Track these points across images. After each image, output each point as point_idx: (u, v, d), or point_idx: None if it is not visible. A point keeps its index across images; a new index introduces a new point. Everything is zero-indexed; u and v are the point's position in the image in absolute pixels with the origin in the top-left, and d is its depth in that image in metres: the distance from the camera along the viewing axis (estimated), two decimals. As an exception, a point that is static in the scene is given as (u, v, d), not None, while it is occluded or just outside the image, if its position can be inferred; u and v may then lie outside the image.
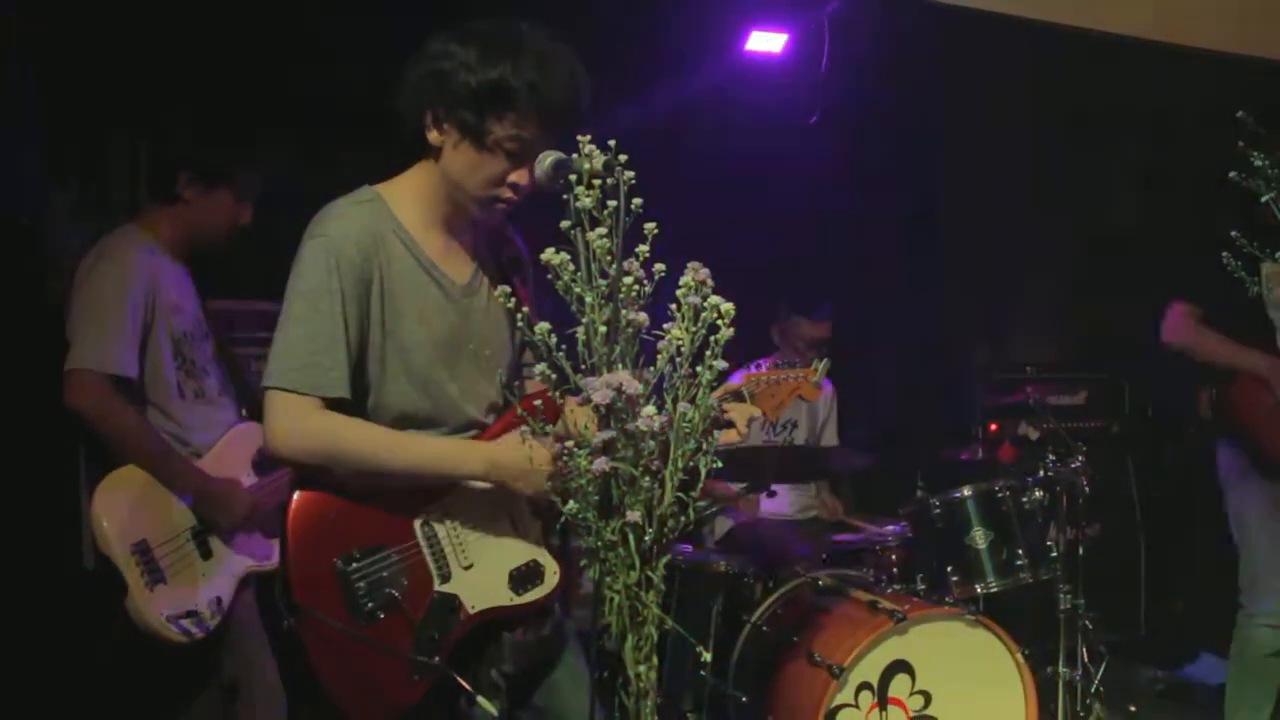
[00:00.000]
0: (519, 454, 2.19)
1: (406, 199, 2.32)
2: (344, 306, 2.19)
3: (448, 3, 2.35)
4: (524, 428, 1.96)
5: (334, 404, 2.20)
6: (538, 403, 2.15)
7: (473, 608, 2.30)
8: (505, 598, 2.34)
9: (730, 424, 2.50)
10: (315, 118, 4.25)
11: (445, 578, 2.29)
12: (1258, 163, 2.42)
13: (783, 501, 4.69)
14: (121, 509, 2.93)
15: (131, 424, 2.97)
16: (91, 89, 3.95)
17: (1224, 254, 2.49)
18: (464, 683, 2.23)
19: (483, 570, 2.33)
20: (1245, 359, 3.74)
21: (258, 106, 3.99)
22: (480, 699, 2.23)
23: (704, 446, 1.76)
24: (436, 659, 2.23)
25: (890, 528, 4.30)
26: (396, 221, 2.29)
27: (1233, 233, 2.51)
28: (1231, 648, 3.91)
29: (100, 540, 2.89)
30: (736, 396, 2.58)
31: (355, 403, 2.25)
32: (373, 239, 2.24)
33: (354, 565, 2.21)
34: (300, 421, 2.18)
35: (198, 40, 4.06)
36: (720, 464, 1.80)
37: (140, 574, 2.89)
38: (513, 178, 2.23)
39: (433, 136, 2.25)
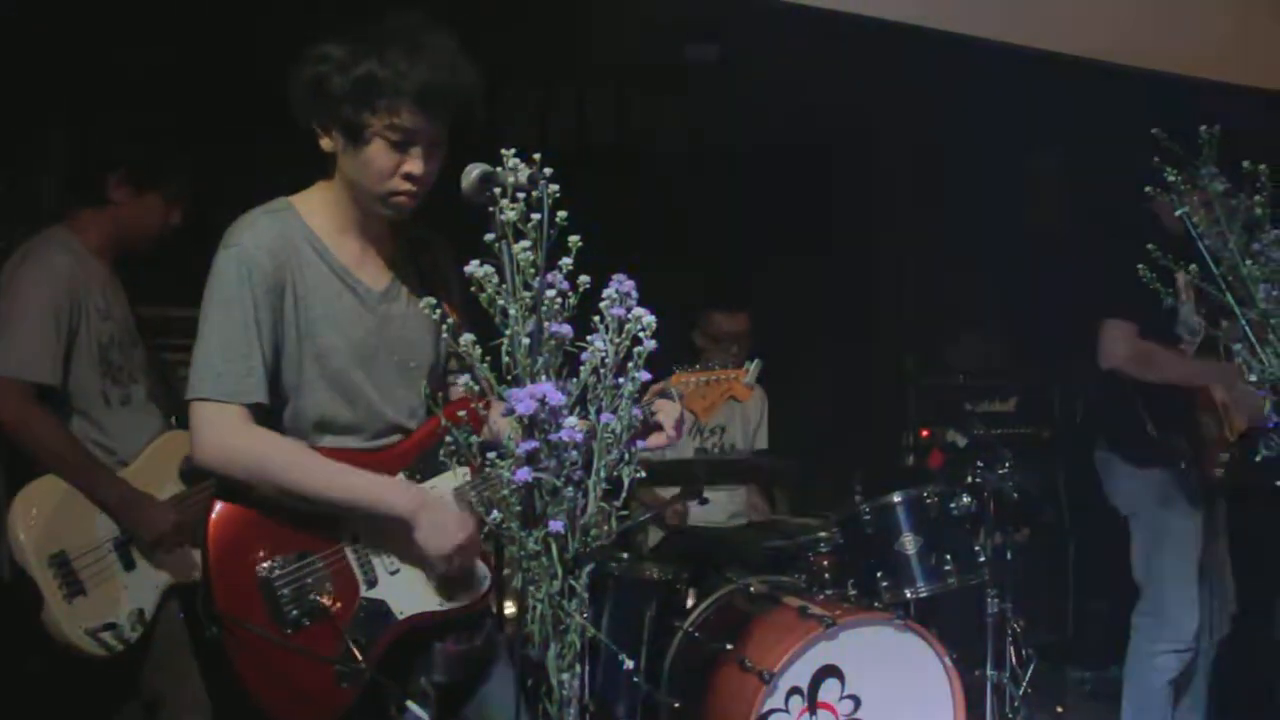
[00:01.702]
0: (445, 513, 2.24)
1: (318, 208, 2.33)
2: (257, 314, 2.21)
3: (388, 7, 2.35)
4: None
5: (256, 413, 2.21)
6: (461, 413, 2.15)
7: (401, 613, 2.31)
8: (434, 603, 2.34)
9: (659, 426, 2.51)
10: (251, 122, 4.22)
11: (372, 583, 2.29)
12: (1171, 178, 2.48)
13: (713, 509, 4.71)
14: (40, 520, 2.89)
15: (50, 433, 2.94)
16: (21, 88, 3.89)
17: (1139, 266, 2.54)
18: (391, 687, 2.23)
19: (410, 575, 2.33)
20: (1201, 373, 3.67)
21: (190, 109, 3.96)
22: (409, 703, 2.23)
23: (627, 457, 1.78)
24: (364, 664, 2.22)
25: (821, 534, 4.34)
26: (309, 229, 2.31)
27: (1149, 245, 2.56)
28: (1129, 675, 3.97)
29: (16, 552, 2.85)
30: (665, 396, 2.57)
31: (274, 411, 2.25)
32: (285, 247, 2.26)
33: (278, 573, 2.20)
34: (224, 433, 2.19)
35: (128, 41, 4.02)
36: (644, 474, 1.82)
37: (58, 586, 2.86)
38: (405, 168, 2.23)
39: (325, 143, 2.27)
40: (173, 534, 3.05)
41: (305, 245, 2.29)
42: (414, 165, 2.23)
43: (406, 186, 2.26)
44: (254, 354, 2.20)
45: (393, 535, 2.29)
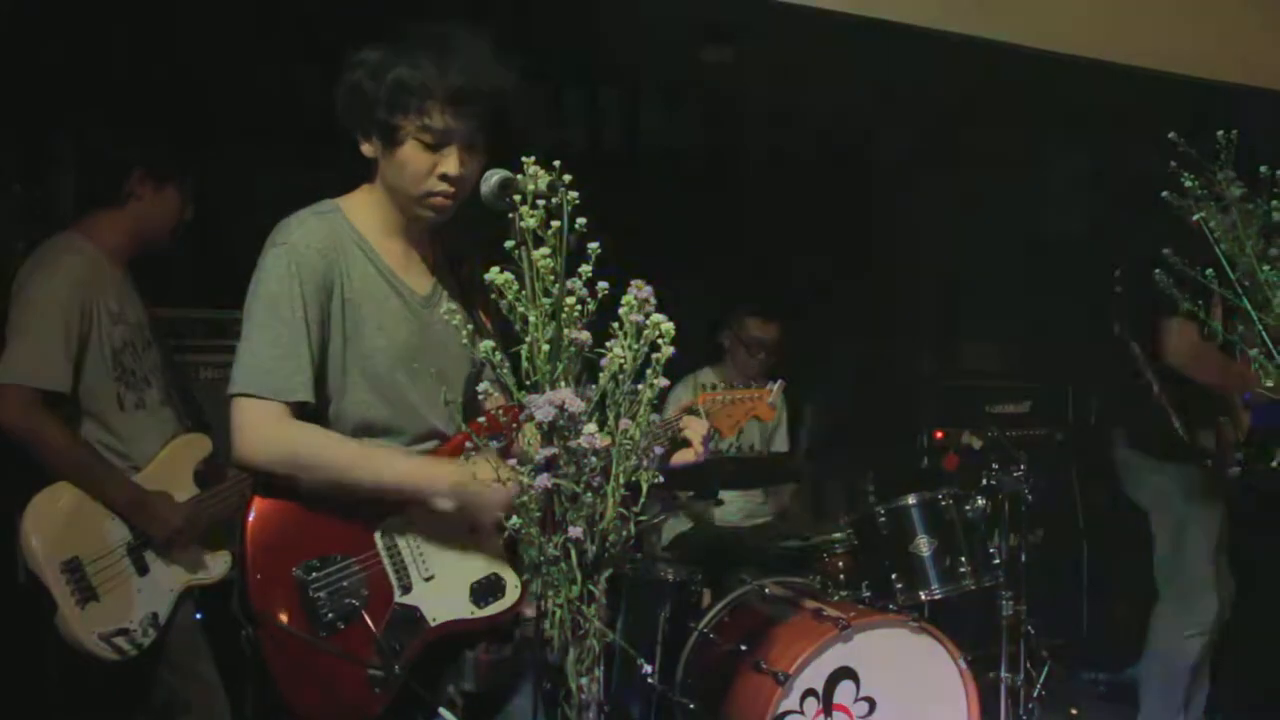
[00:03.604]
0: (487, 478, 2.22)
1: (363, 211, 2.36)
2: (305, 312, 2.22)
3: (405, 12, 2.37)
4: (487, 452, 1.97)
5: (298, 411, 2.22)
6: (482, 420, 2.16)
7: (434, 620, 2.31)
8: (467, 610, 2.35)
9: (686, 443, 2.52)
10: (269, 124, 4.23)
11: (406, 589, 2.30)
12: (1188, 183, 2.47)
13: (730, 509, 4.72)
14: (52, 526, 2.90)
15: (58, 440, 2.93)
16: (35, 89, 3.91)
17: (1156, 270, 2.54)
18: (424, 693, 2.23)
19: (444, 582, 2.33)
20: (1249, 382, 3.67)
21: (207, 110, 3.98)
22: (441, 710, 2.23)
23: (645, 463, 1.79)
24: (397, 670, 2.22)
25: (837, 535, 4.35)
26: (356, 232, 2.33)
27: (1165, 250, 2.56)
28: (1152, 663, 4.02)
29: (29, 559, 2.86)
30: (692, 414, 2.59)
31: (318, 410, 2.26)
32: (334, 247, 2.28)
33: (314, 574, 2.21)
34: (267, 429, 2.19)
35: (143, 42, 4.03)
36: (661, 479, 1.83)
37: (70, 592, 2.86)
38: (440, 169, 2.26)
39: (365, 149, 2.31)
40: (184, 532, 3.05)
41: (353, 246, 2.31)
42: (448, 166, 2.26)
43: (442, 187, 2.28)
44: (302, 351, 2.21)
45: (429, 537, 2.30)
